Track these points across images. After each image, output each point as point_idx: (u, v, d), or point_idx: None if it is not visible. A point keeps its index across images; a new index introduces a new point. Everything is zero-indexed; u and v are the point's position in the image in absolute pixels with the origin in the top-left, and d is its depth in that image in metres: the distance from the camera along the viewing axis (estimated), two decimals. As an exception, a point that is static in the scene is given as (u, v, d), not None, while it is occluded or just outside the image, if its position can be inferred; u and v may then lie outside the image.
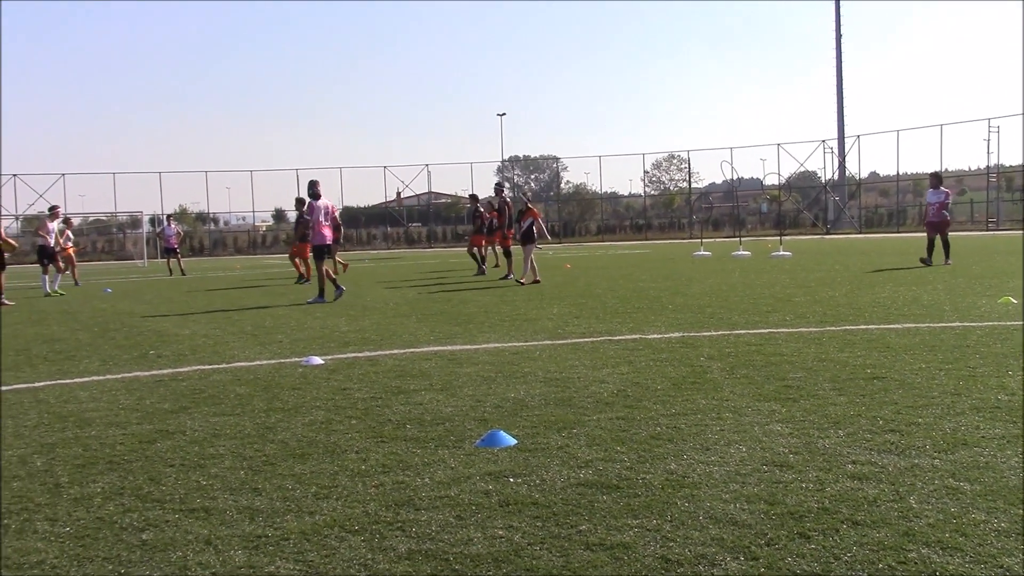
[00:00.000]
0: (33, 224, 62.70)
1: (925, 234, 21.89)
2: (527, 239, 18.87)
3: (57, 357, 9.89)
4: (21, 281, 28.99)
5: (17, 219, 62.64)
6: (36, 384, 8.11)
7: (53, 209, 24.02)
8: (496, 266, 25.23)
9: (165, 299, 18.97)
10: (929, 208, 21.79)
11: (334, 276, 16.82)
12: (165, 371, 8.59)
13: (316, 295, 16.52)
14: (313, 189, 16.79)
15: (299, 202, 22.38)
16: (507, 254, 21.99)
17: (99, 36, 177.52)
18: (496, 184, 22.48)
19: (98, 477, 4.92)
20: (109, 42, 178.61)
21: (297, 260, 23.17)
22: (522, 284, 18.63)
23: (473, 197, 27.15)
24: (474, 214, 25.74)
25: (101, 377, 8.38)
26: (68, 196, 65.61)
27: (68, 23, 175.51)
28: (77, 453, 5.48)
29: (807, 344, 8.68)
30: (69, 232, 26.43)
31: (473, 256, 24.60)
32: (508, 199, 23.23)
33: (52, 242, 22.40)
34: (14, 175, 60.64)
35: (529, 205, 19.36)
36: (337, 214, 18.55)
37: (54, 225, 22.75)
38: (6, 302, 18.58)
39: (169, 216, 36.22)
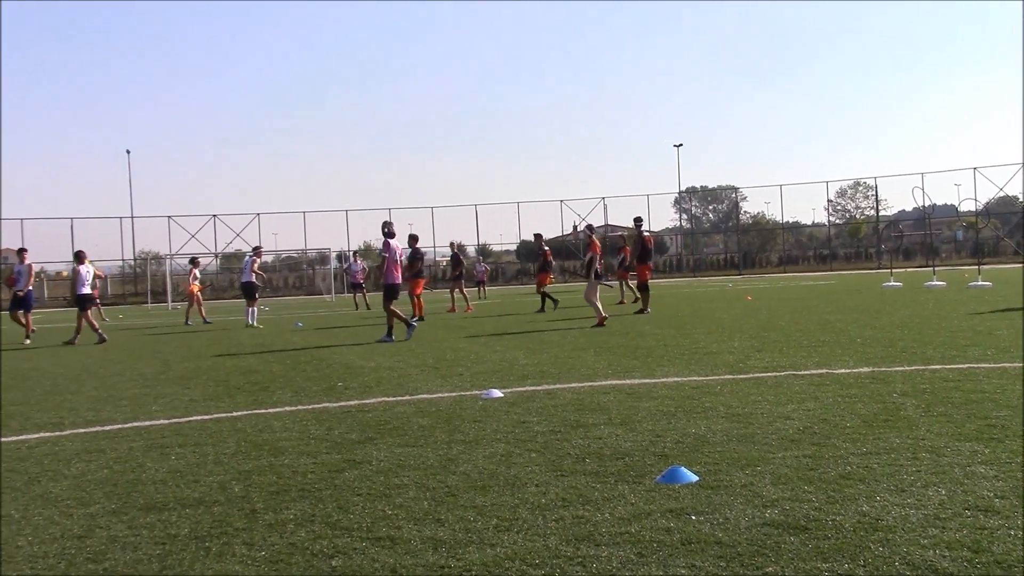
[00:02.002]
0: (232, 262, 66.77)
1: None
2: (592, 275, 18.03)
3: (253, 388, 10.41)
4: (223, 315, 30.76)
5: (216, 257, 66.68)
6: (234, 413, 8.56)
7: (256, 249, 25.51)
8: (627, 301, 25.06)
9: (351, 332, 19.70)
10: None
11: (403, 316, 16.65)
12: (352, 402, 8.90)
13: (384, 334, 16.49)
14: (388, 228, 16.99)
15: (412, 238, 21.83)
16: (643, 288, 21.47)
17: (290, 85, 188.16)
18: (635, 218, 21.96)
19: (291, 504, 5.13)
20: (304, 90, 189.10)
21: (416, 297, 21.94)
22: (603, 325, 17.21)
23: (537, 236, 26.49)
24: (538, 252, 25.81)
25: (293, 408, 8.77)
26: (263, 234, 69.34)
27: (261, 70, 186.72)
28: (271, 480, 5.73)
29: (1012, 380, 8.13)
30: (196, 271, 28.04)
31: (545, 295, 24.12)
32: (646, 232, 22.47)
33: (253, 278, 23.69)
34: (214, 216, 64.60)
35: (592, 239, 18.74)
36: (404, 256, 18.66)
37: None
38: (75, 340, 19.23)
39: (355, 253, 37.90)
